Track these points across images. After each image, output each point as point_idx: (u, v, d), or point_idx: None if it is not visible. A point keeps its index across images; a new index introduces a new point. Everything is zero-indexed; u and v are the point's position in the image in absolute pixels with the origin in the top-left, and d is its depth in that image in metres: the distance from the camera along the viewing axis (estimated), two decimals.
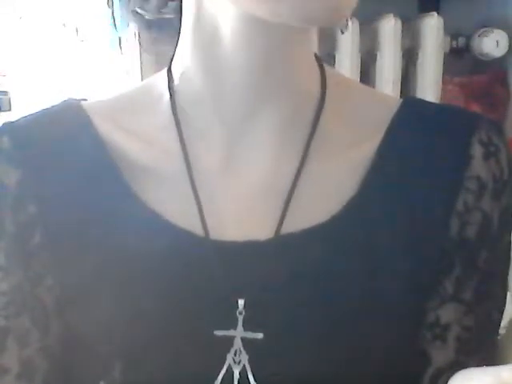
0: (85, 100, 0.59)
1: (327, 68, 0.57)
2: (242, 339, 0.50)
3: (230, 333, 0.50)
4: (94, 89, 1.57)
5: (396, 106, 0.57)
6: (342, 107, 0.56)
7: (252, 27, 0.49)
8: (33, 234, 0.54)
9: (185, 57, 0.54)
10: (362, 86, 0.61)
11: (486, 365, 0.41)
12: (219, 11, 0.50)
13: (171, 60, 0.57)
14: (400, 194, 0.54)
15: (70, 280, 0.53)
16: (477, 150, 0.54)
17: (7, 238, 0.54)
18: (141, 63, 1.37)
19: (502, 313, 0.57)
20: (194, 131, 0.55)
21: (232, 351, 0.50)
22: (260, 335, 0.50)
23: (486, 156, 0.55)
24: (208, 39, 0.52)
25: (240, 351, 0.50)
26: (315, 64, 0.56)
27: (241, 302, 0.51)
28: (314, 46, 0.55)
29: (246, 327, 0.50)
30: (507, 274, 0.57)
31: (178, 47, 0.56)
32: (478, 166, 0.54)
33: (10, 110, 1.72)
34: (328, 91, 0.56)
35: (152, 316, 0.52)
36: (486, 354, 0.56)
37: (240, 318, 0.51)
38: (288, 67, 0.53)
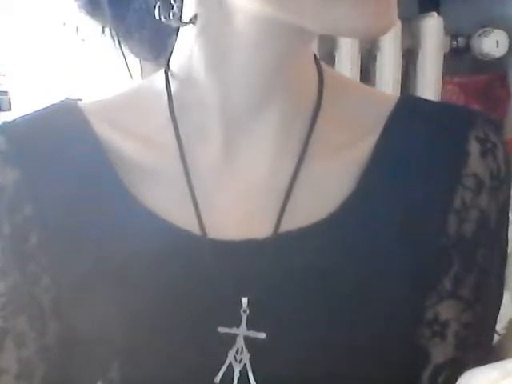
0: (80, 100, 0.58)
1: (324, 67, 0.57)
2: (245, 338, 0.50)
3: (233, 330, 0.50)
4: (94, 89, 1.57)
5: (393, 103, 0.57)
6: (339, 107, 0.56)
7: (265, 29, 0.49)
8: (29, 235, 0.54)
9: (188, 56, 0.54)
10: (359, 85, 0.61)
11: (484, 360, 0.41)
12: (233, 12, 0.49)
13: (168, 59, 0.56)
14: (398, 191, 0.53)
15: (68, 280, 0.53)
16: (473, 147, 0.54)
17: (4, 239, 0.54)
18: (141, 63, 1.36)
19: (499, 308, 0.57)
20: (192, 130, 0.54)
21: (234, 349, 0.50)
22: (263, 335, 0.50)
23: (483, 153, 0.54)
24: (217, 39, 0.51)
25: (242, 350, 0.50)
26: (313, 64, 0.56)
27: (244, 301, 0.50)
28: (313, 45, 0.55)
29: (249, 326, 0.50)
30: (505, 269, 0.57)
31: (177, 46, 0.55)
32: (475, 163, 0.54)
33: (10, 109, 1.73)
34: (325, 91, 0.56)
35: (150, 315, 0.51)
36: (484, 350, 0.56)
37: (244, 317, 0.50)
38: (294, 68, 0.53)
